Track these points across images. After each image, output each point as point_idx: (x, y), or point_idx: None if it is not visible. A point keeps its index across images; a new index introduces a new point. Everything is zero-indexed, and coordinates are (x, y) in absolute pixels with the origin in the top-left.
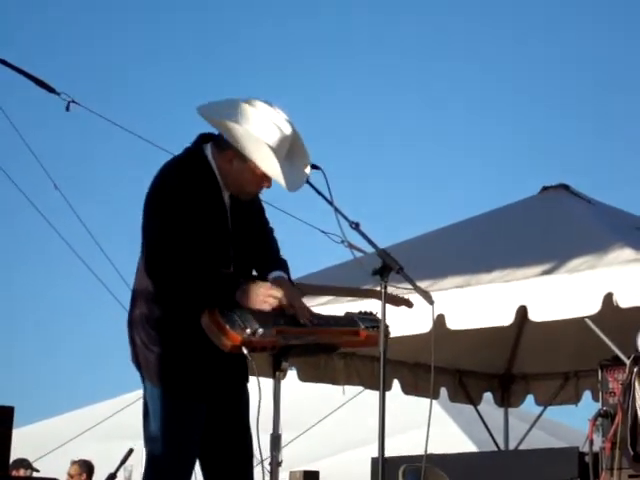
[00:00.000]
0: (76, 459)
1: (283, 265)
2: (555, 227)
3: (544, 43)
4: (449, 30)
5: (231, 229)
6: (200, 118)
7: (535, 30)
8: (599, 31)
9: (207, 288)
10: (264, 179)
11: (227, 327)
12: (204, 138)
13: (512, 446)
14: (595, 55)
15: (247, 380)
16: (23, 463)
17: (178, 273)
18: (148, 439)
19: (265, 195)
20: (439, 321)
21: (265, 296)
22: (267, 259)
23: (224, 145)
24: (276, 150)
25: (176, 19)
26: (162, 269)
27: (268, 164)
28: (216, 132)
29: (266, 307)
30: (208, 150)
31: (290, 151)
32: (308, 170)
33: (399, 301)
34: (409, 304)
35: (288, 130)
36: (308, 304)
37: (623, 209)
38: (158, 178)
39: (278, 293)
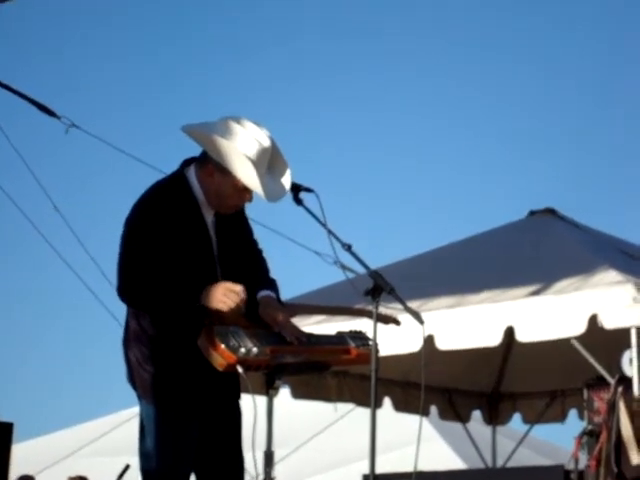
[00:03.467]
0: (73, 475)
1: (272, 284)
2: (542, 250)
3: (531, 60)
4: (436, 47)
5: (217, 249)
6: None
7: (520, 47)
8: (590, 50)
9: (173, 304)
10: (245, 192)
11: (222, 346)
12: (188, 162)
13: (500, 464)
14: (585, 73)
15: (239, 397)
16: None
17: (144, 294)
18: (143, 455)
19: (259, 216)
20: (429, 341)
21: (224, 292)
22: (256, 279)
23: (206, 159)
24: (255, 162)
25: (180, 42)
26: (129, 290)
27: (247, 176)
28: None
29: (223, 307)
30: (191, 172)
31: (270, 164)
32: (288, 182)
33: (388, 319)
34: (397, 322)
35: (267, 143)
36: (302, 323)
37: (608, 233)
38: (137, 204)
39: (237, 287)
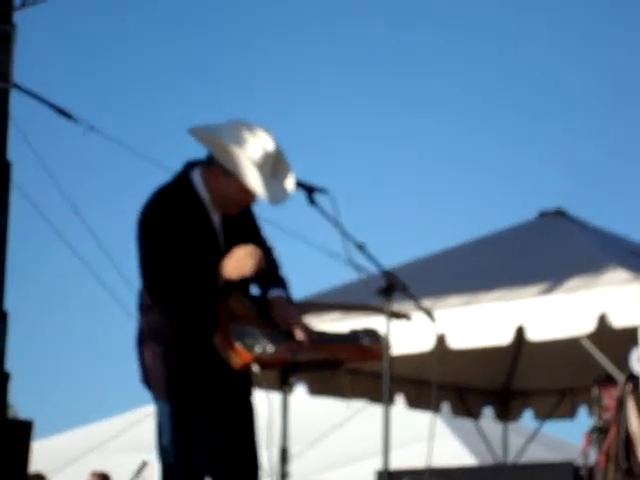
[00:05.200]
0: (96, 472)
1: (282, 283)
2: (552, 250)
3: (540, 59)
4: (447, 45)
5: (225, 249)
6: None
7: (530, 48)
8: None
9: (201, 293)
10: (248, 194)
11: (237, 345)
12: (192, 164)
13: (511, 460)
14: (594, 70)
15: (250, 395)
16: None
17: (180, 296)
18: (161, 451)
19: (271, 216)
20: (441, 340)
21: (241, 261)
22: (267, 277)
23: (211, 162)
24: (260, 167)
25: (197, 43)
26: (165, 295)
27: (252, 181)
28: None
29: (244, 271)
30: (196, 174)
31: (274, 167)
32: (291, 185)
33: (399, 315)
34: (408, 317)
35: (272, 147)
36: (317, 321)
37: (618, 233)
38: (146, 209)
39: (254, 260)
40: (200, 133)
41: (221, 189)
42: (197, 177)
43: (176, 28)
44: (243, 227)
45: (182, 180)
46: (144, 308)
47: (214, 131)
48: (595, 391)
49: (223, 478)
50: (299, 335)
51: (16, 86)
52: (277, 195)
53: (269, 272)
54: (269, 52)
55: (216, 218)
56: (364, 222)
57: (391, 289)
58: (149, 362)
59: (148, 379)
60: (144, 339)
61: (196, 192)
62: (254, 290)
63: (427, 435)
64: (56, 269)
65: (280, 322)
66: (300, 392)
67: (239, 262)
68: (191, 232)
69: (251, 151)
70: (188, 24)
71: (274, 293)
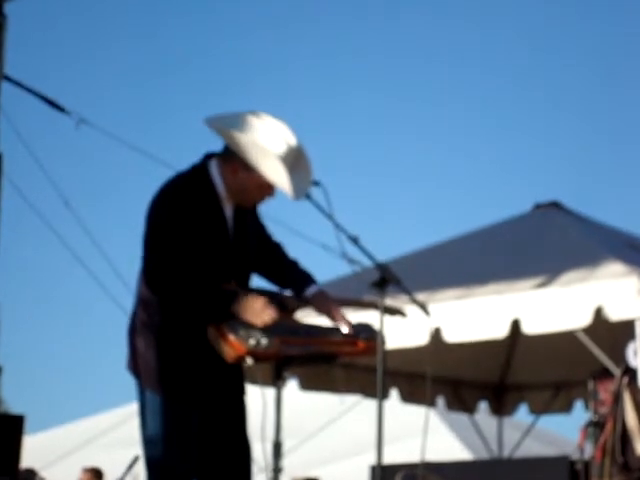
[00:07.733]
0: (87, 467)
1: (311, 277)
2: (547, 242)
3: (536, 52)
4: (449, 37)
5: (234, 242)
6: (206, 134)
7: (526, 41)
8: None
9: (206, 304)
10: (268, 189)
11: (231, 338)
12: (209, 156)
13: (506, 454)
14: (591, 63)
15: (244, 392)
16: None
17: (179, 289)
18: (147, 443)
19: (265, 209)
20: (436, 333)
21: (262, 308)
22: (294, 272)
23: (229, 155)
24: (283, 160)
25: (184, 34)
26: (164, 285)
27: (274, 174)
28: (221, 150)
29: (258, 321)
30: (212, 166)
31: (295, 162)
32: (310, 179)
33: (394, 311)
34: (403, 314)
35: (293, 142)
36: (309, 315)
37: (613, 225)
38: (160, 195)
39: (272, 312)
40: (217, 124)
41: (240, 183)
42: (214, 168)
43: (168, 20)
44: (252, 221)
45: (199, 170)
46: (145, 297)
47: (231, 122)
48: (591, 385)
49: (213, 473)
50: (343, 326)
51: (7, 78)
52: (300, 190)
53: (291, 269)
54: (261, 40)
55: (229, 209)
56: (358, 215)
57: (385, 282)
58: (142, 351)
59: (137, 367)
60: (139, 328)
61: (212, 183)
62: (256, 283)
63: (421, 429)
64: (47, 262)
65: (329, 315)
66: (294, 387)
67: (262, 313)
68: (202, 223)
69: (274, 145)
70: (180, 16)
71: (313, 289)
